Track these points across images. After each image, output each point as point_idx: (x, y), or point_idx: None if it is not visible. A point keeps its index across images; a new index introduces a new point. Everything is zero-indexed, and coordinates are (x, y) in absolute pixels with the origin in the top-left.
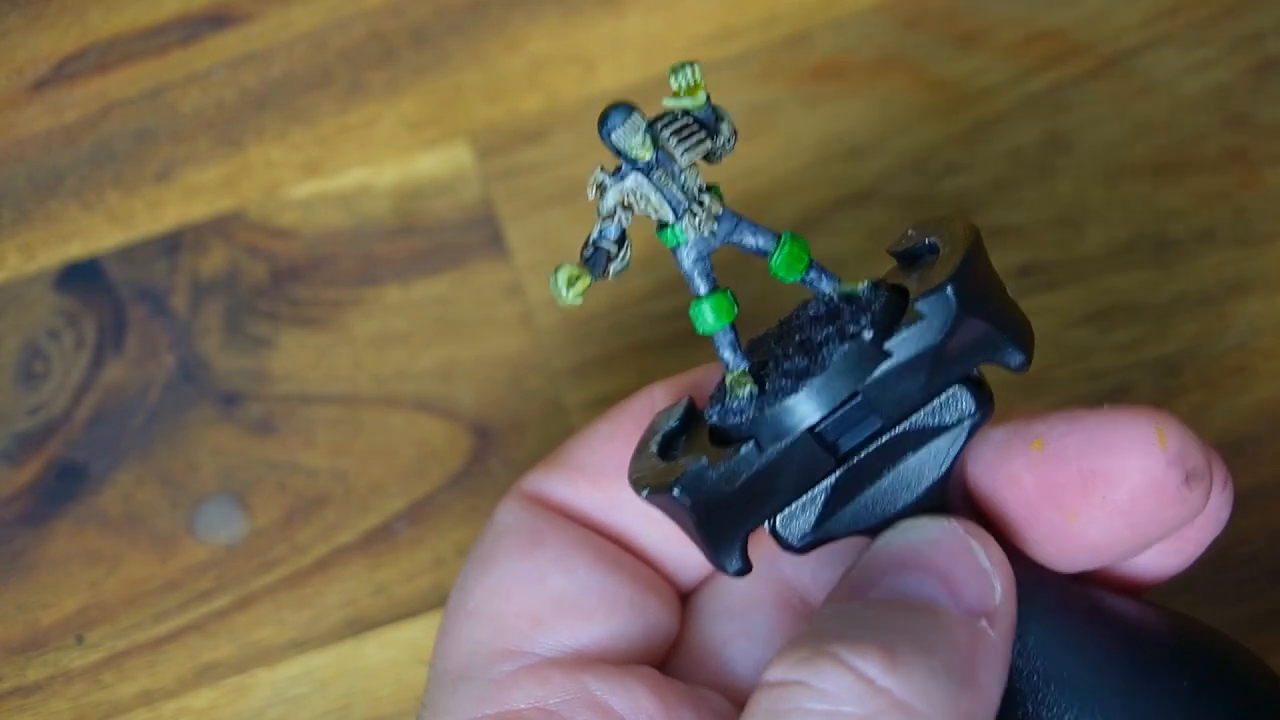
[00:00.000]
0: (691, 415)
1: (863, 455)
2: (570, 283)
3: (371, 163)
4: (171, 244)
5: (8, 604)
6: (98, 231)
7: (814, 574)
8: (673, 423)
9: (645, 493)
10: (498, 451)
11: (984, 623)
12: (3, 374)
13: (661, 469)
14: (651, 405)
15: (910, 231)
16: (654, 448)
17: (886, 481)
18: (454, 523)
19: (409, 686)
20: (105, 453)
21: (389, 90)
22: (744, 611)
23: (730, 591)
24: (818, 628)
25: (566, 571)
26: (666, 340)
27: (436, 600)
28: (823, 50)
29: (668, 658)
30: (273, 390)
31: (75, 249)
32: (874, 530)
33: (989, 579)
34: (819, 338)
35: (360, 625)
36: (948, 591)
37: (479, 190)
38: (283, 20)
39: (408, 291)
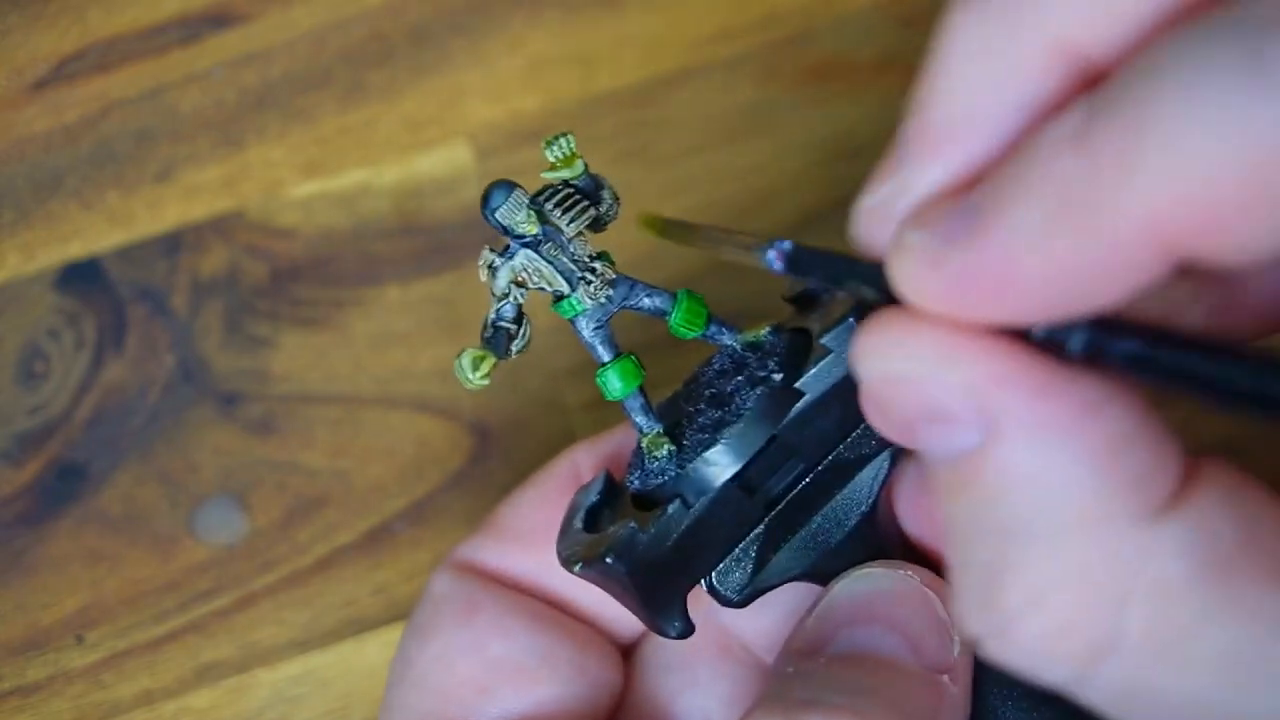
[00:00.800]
0: (611, 488)
1: (790, 499)
2: (475, 365)
3: (371, 163)
4: (171, 244)
5: (8, 604)
6: (98, 231)
7: (750, 618)
8: (593, 497)
9: (579, 567)
10: (498, 451)
11: (945, 678)
12: (3, 374)
13: (591, 541)
14: (574, 468)
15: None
16: (579, 524)
17: (817, 521)
18: (454, 523)
19: None
20: (105, 453)
21: (389, 90)
22: (685, 662)
23: (670, 643)
24: (784, 690)
25: (506, 636)
26: (663, 341)
27: None
28: (823, 50)
29: (614, 714)
30: (273, 390)
31: (75, 249)
32: (811, 573)
33: (948, 632)
34: (728, 388)
35: (360, 625)
36: (909, 646)
37: (479, 190)
38: (283, 20)
39: (408, 291)
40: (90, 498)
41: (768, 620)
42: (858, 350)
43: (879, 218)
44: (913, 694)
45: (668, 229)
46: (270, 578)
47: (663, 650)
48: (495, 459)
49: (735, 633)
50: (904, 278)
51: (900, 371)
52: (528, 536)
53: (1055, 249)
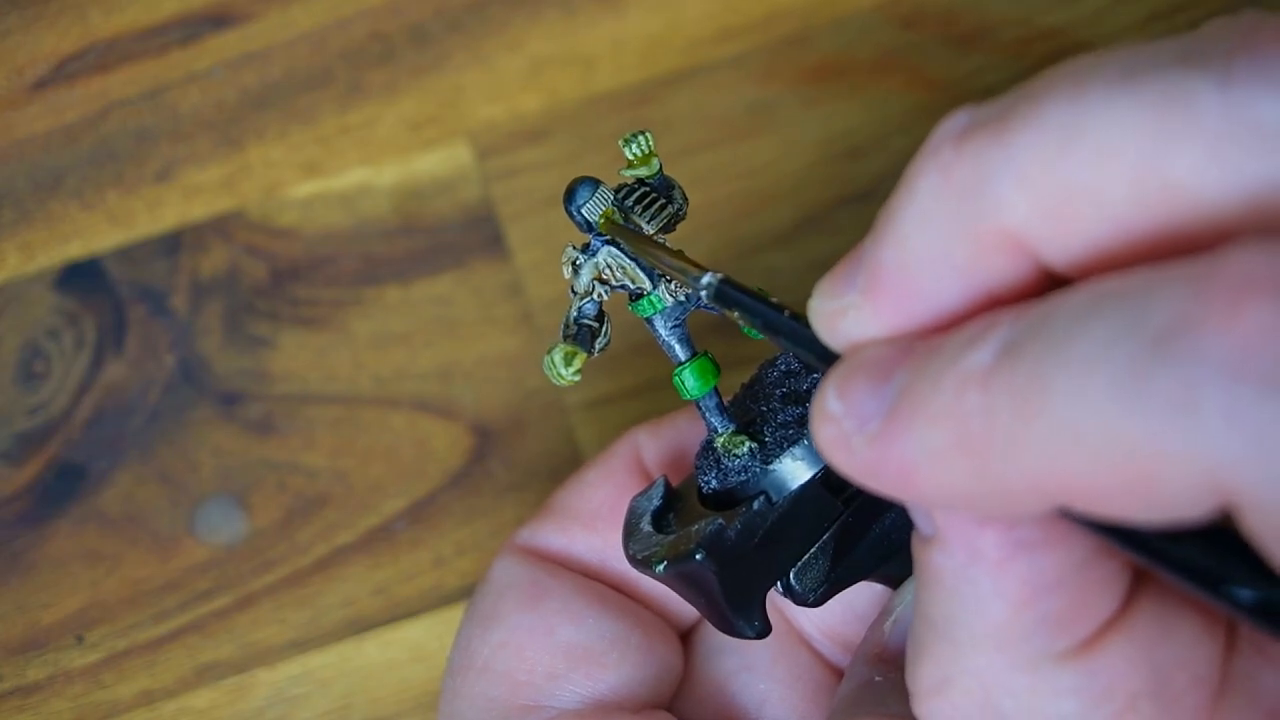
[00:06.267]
0: (670, 493)
1: (866, 496)
2: (568, 360)
3: (371, 163)
4: (171, 244)
5: (8, 604)
6: (98, 231)
7: (807, 608)
8: (657, 502)
9: (661, 567)
10: (498, 451)
11: None
12: (3, 374)
13: (671, 541)
14: (635, 449)
15: None
16: (647, 526)
17: (890, 519)
18: (454, 523)
19: (409, 686)
20: (105, 453)
21: (389, 90)
22: (742, 645)
23: None
24: (879, 698)
25: (574, 620)
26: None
27: (436, 600)
28: (823, 50)
29: (673, 698)
30: (273, 390)
31: (75, 249)
32: (884, 572)
33: None
34: (804, 386)
35: (360, 625)
36: None
37: (479, 190)
38: (283, 20)
39: (408, 291)
40: (90, 498)
41: (823, 610)
42: None
43: (828, 325)
44: None
45: (619, 232)
46: (270, 578)
47: (718, 632)
48: (495, 459)
49: (787, 613)
50: (821, 441)
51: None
52: (590, 517)
53: (947, 473)
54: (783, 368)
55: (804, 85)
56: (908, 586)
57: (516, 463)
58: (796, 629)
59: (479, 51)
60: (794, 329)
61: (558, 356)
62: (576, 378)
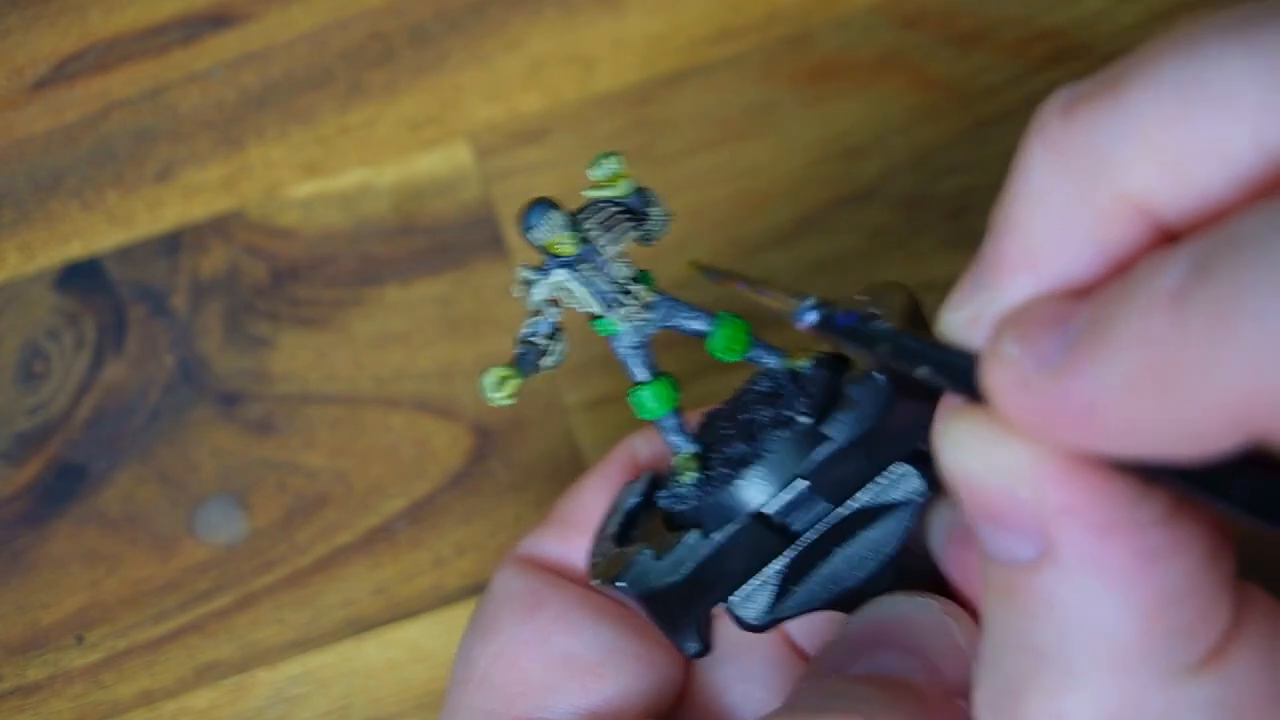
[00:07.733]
0: (654, 490)
1: (813, 535)
2: (498, 385)
3: (371, 163)
4: (171, 244)
5: (8, 604)
6: (98, 231)
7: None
8: (635, 499)
9: (597, 583)
10: (498, 451)
11: (963, 702)
12: (3, 374)
13: (612, 557)
14: (633, 455)
15: (857, 297)
16: (612, 529)
17: (839, 559)
18: (454, 523)
19: (409, 686)
20: (105, 453)
21: (389, 90)
22: (740, 656)
23: (725, 637)
24: (802, 701)
25: (571, 631)
26: (667, 341)
27: (436, 600)
28: (823, 50)
29: (672, 709)
30: (273, 390)
31: (75, 249)
32: (833, 605)
33: (965, 658)
34: (760, 419)
35: (360, 625)
36: (926, 670)
37: (479, 190)
38: (283, 20)
39: (408, 291)
40: (90, 498)
41: (817, 619)
42: (939, 433)
43: (975, 327)
44: (928, 714)
45: (705, 271)
46: (270, 578)
47: (717, 643)
48: (495, 459)
49: (786, 629)
50: (994, 387)
51: (973, 471)
52: (588, 525)
53: (1136, 404)
54: (758, 388)
55: (804, 85)
56: (858, 611)
57: (516, 463)
58: (792, 641)
59: (478, 51)
60: (930, 352)
61: (489, 380)
62: (508, 401)
